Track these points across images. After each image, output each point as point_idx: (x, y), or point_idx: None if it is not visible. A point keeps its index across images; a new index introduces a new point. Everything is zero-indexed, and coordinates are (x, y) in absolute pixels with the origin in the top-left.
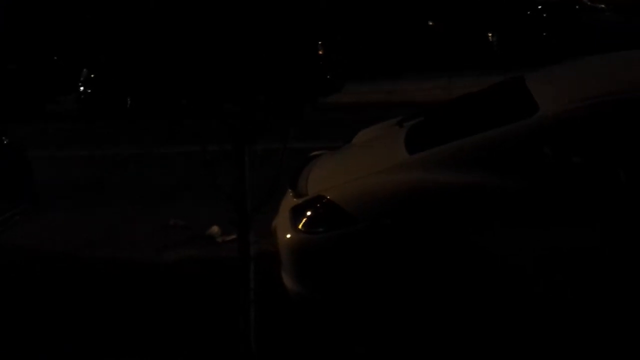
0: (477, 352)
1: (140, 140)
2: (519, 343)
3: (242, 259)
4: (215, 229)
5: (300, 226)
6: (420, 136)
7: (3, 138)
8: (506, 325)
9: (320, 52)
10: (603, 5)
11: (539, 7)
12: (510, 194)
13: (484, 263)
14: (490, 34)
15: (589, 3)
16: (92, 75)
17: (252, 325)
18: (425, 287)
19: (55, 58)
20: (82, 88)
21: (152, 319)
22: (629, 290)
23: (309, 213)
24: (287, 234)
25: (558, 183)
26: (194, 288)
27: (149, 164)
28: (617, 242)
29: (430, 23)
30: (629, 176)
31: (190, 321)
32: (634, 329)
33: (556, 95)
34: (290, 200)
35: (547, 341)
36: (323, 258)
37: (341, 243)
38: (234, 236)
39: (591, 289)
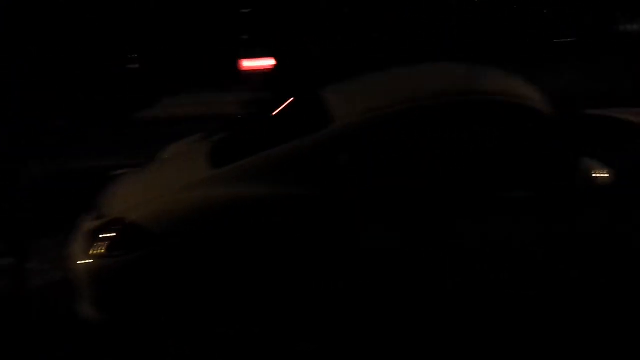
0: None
1: None
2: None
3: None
4: None
5: (99, 250)
6: (224, 150)
7: None
8: (314, 328)
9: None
10: None
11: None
12: (309, 204)
13: (291, 273)
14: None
15: None
16: None
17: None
18: (233, 300)
19: None
20: None
21: None
22: (427, 288)
23: (108, 236)
24: (85, 259)
25: (354, 190)
26: None
27: None
28: (414, 243)
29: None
30: (418, 181)
31: None
32: (435, 324)
33: (349, 107)
34: (89, 223)
35: (351, 343)
36: (125, 282)
37: (143, 265)
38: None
39: (392, 288)
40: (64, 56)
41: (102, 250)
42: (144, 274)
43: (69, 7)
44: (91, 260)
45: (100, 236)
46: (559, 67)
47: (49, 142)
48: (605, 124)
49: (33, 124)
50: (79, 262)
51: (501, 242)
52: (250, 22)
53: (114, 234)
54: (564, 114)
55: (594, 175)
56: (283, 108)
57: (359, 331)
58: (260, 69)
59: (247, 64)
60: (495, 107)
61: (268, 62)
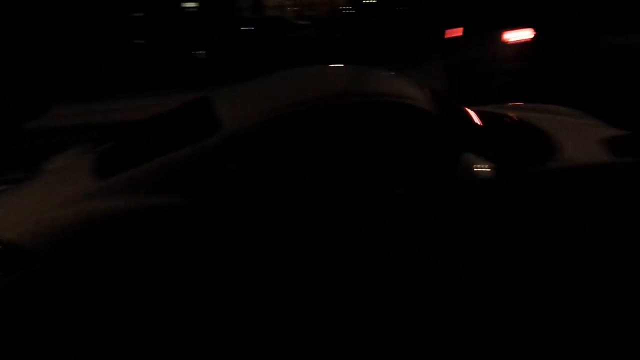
0: None
1: None
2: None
3: None
4: None
5: None
6: (109, 160)
7: None
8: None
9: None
10: (306, 22)
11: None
12: (199, 212)
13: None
14: (197, 51)
15: (295, 21)
16: None
17: None
18: (122, 316)
19: None
20: None
21: None
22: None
23: None
24: None
25: (243, 196)
26: None
27: None
28: (302, 246)
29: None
30: (306, 184)
31: None
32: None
33: (236, 113)
34: None
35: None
36: (6, 303)
37: (24, 285)
38: None
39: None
40: None
41: None
42: (26, 294)
43: None
44: None
45: None
46: None
47: None
48: (485, 119)
49: None
50: None
51: (389, 238)
52: None
53: None
54: (446, 111)
55: (475, 170)
56: (170, 113)
57: (249, 344)
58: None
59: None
60: (377, 107)
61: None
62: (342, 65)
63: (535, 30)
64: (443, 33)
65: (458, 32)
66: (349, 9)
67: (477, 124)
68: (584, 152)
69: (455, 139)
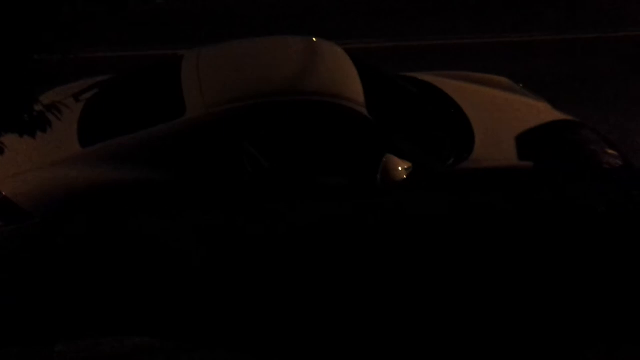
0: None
1: None
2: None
3: None
4: None
5: None
6: (92, 123)
7: None
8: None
9: None
10: None
11: None
12: (168, 187)
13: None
14: None
15: None
16: None
17: None
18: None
19: None
20: None
21: None
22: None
23: None
24: None
25: (206, 175)
26: None
27: None
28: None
29: None
30: (262, 167)
31: None
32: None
33: (200, 97)
34: None
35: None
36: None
37: (15, 238)
38: None
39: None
40: None
41: None
42: (19, 247)
43: None
44: None
45: None
46: None
47: None
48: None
49: None
50: None
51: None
52: None
53: None
54: (377, 104)
55: (395, 168)
56: (145, 76)
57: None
58: None
59: None
60: (315, 107)
61: None
62: (302, 42)
63: None
64: None
65: None
66: None
67: (402, 122)
68: (494, 151)
69: (379, 140)
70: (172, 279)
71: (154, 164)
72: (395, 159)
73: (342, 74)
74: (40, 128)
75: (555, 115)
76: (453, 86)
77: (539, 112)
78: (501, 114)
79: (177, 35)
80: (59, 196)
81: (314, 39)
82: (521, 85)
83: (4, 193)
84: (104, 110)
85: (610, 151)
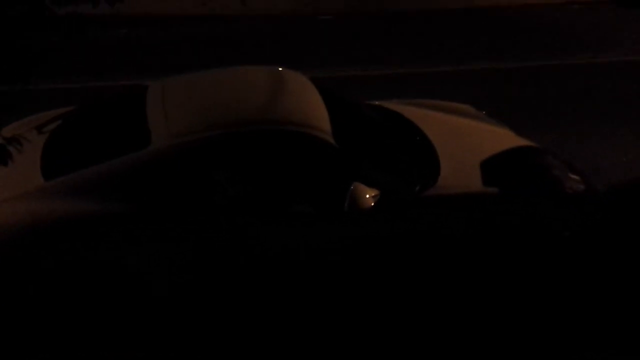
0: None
1: None
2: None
3: None
4: None
5: None
6: (55, 155)
7: None
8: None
9: None
10: None
11: None
12: (134, 219)
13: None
14: None
15: None
16: None
17: None
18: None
19: None
20: None
21: None
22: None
23: None
24: None
25: (172, 206)
26: None
27: None
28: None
29: None
30: (228, 197)
31: None
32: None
33: (166, 127)
34: None
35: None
36: None
37: None
38: None
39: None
40: None
41: None
42: None
43: None
44: None
45: None
46: None
47: None
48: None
49: None
50: None
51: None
52: None
53: None
54: (344, 132)
55: (362, 196)
56: (112, 105)
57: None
58: None
59: None
60: (281, 136)
61: None
62: (267, 72)
63: None
64: None
65: None
66: None
67: (369, 150)
68: (460, 177)
69: (346, 167)
70: (138, 310)
71: (119, 196)
72: (363, 187)
73: (307, 103)
74: (1, 161)
75: (518, 141)
76: (418, 114)
77: (502, 138)
78: (466, 141)
79: (142, 66)
80: (22, 230)
81: (279, 68)
82: (484, 112)
83: None
84: (67, 141)
85: (573, 176)
